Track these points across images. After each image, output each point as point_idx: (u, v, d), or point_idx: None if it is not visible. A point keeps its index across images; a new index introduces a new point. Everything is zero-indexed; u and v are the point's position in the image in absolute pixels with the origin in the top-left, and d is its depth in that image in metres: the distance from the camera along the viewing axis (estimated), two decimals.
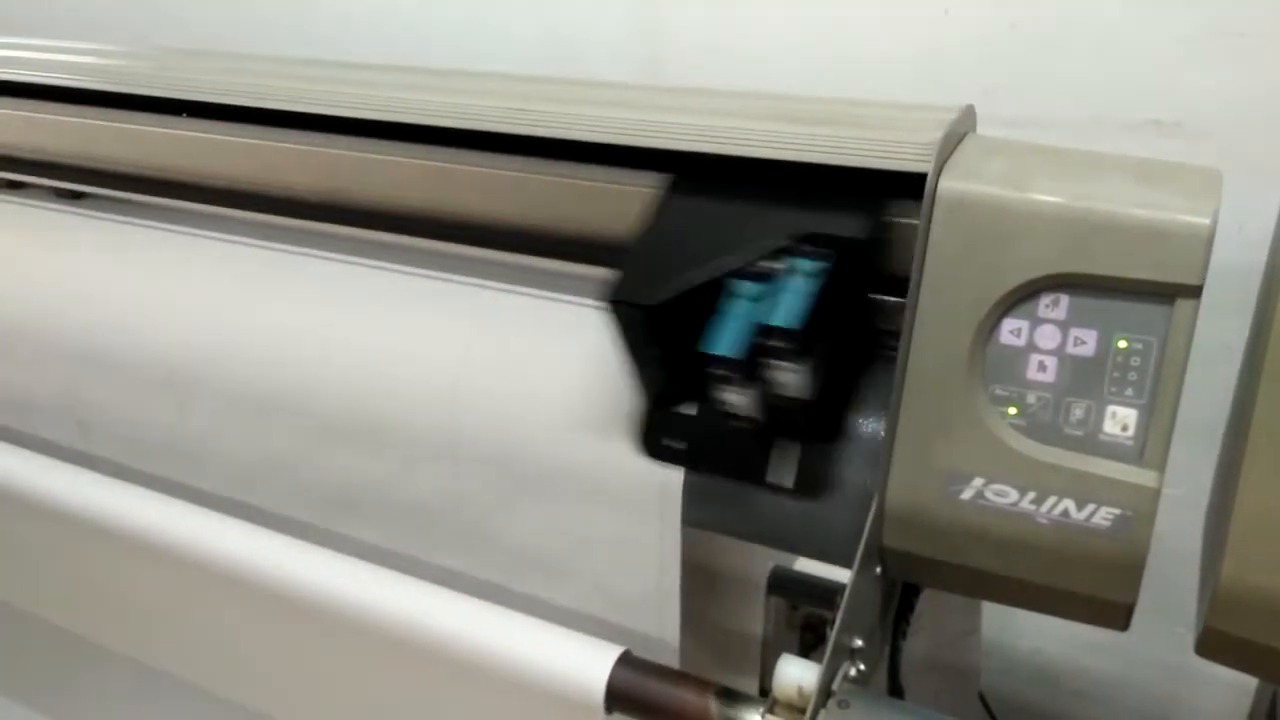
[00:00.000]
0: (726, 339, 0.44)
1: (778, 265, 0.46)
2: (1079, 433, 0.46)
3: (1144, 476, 0.45)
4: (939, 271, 0.47)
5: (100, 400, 0.71)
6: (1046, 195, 0.45)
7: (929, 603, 0.62)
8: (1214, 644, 0.46)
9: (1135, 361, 0.45)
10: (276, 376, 0.64)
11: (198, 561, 0.61)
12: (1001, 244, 0.46)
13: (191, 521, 0.62)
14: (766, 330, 0.43)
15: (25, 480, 0.69)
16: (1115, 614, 0.48)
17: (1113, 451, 0.46)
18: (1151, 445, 0.45)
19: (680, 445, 0.49)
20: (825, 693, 0.46)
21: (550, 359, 0.58)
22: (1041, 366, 0.47)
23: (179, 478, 0.69)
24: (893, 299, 0.51)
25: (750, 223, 0.49)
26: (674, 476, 0.53)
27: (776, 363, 0.44)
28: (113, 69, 0.76)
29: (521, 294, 0.62)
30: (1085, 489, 0.46)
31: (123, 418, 0.70)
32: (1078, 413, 0.46)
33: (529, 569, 0.58)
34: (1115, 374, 0.45)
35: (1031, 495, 0.47)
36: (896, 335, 0.48)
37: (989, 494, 0.47)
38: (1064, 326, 0.46)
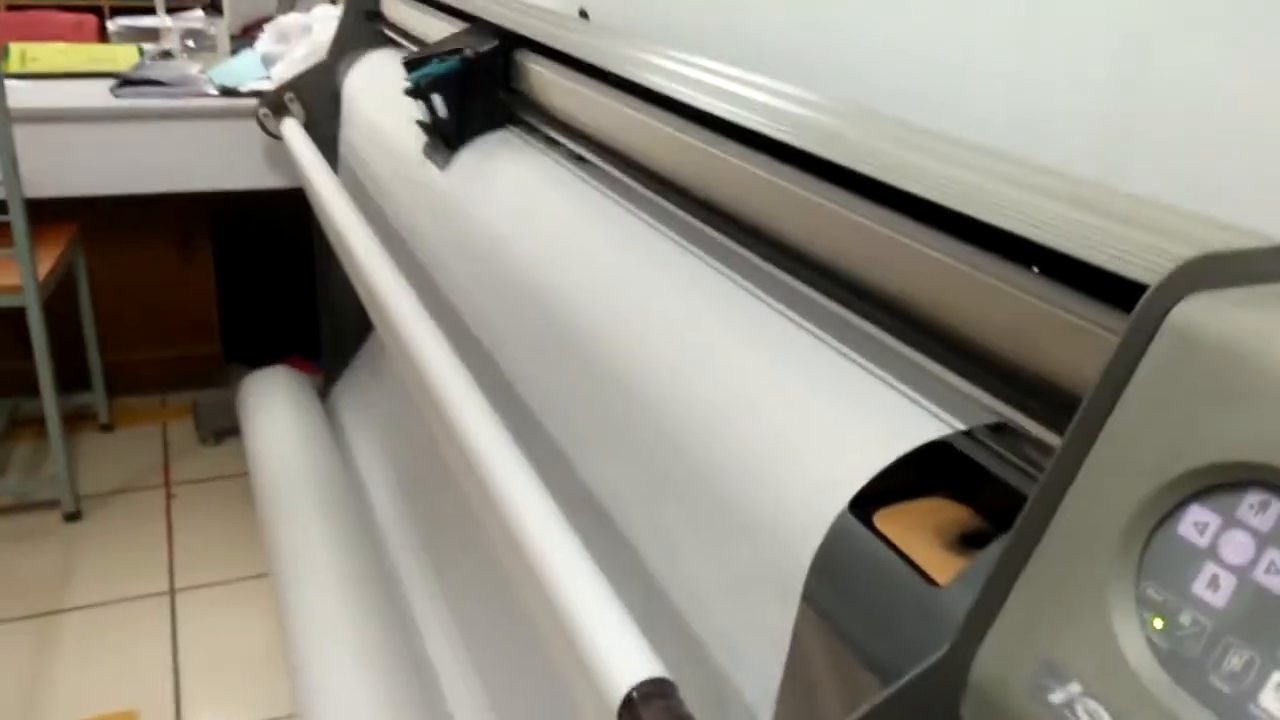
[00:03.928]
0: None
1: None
2: (1226, 689, 0.33)
3: None
4: (1131, 413, 0.36)
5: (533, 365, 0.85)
6: None
7: None
8: None
9: None
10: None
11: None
12: (1222, 404, 0.34)
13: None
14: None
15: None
16: None
17: None
18: None
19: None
20: None
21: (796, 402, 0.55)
22: (1215, 583, 0.34)
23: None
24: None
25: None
26: (809, 542, 0.48)
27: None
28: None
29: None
30: None
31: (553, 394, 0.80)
32: (1235, 662, 0.33)
33: (663, 555, 0.57)
34: None
35: None
36: (1036, 463, 0.38)
37: (1080, 709, 0.36)
38: (1264, 541, 0.33)
